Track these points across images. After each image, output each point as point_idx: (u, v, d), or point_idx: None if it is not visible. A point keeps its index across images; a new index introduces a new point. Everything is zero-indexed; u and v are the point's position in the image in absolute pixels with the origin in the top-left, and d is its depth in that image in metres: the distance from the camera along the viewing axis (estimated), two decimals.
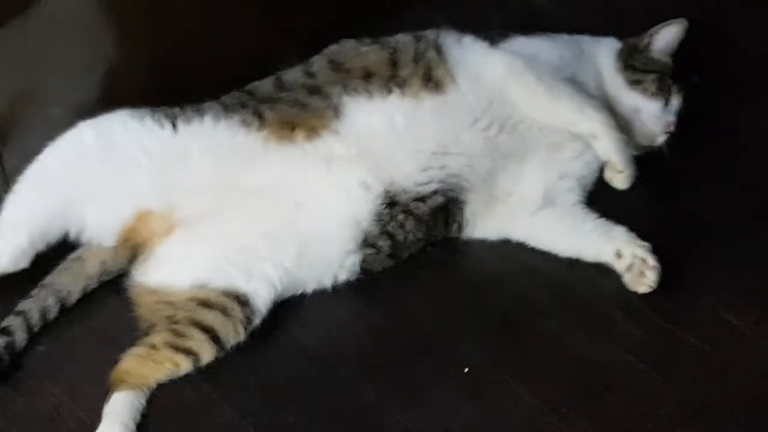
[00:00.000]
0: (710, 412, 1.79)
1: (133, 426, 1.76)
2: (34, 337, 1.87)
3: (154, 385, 1.81)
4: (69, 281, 1.92)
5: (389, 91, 1.97)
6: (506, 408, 1.80)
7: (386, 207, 1.94)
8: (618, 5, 2.38)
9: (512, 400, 1.81)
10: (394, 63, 1.99)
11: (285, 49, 2.18)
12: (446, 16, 2.30)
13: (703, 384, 1.82)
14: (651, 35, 2.12)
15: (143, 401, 1.79)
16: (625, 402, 1.80)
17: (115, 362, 1.83)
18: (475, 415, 1.80)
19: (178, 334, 1.83)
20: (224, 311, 1.85)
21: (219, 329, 1.83)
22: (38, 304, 1.88)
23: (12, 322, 1.85)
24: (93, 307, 1.93)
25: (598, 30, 2.20)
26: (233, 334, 1.85)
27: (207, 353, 1.82)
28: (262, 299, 1.88)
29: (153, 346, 1.82)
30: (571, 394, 1.82)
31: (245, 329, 1.86)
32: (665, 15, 2.13)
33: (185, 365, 1.82)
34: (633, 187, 2.05)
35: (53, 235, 1.91)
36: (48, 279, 1.91)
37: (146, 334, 1.85)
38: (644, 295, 1.92)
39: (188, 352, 1.82)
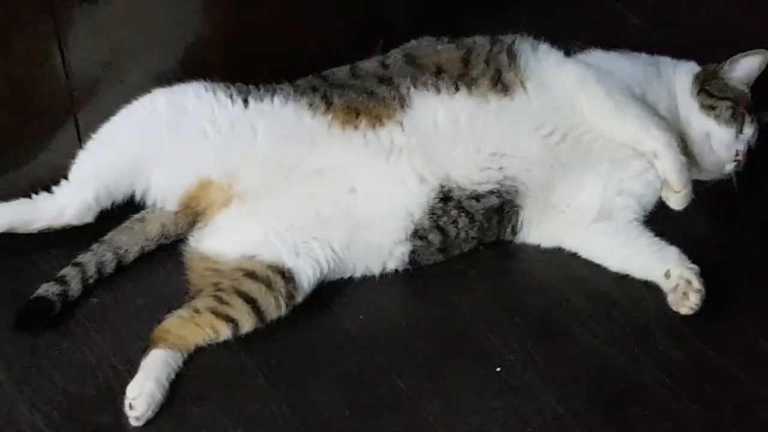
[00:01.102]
0: None
1: (165, 383, 1.83)
2: (88, 289, 1.96)
3: (192, 348, 1.88)
4: (128, 240, 1.99)
5: (457, 89, 2.01)
6: (530, 412, 1.84)
7: (440, 201, 1.99)
8: (710, 30, 2.39)
9: (538, 405, 1.85)
10: (466, 62, 2.04)
11: (369, 44, 2.23)
12: (539, 27, 2.33)
13: (732, 411, 1.84)
14: (731, 63, 2.13)
15: (179, 362, 1.86)
16: (650, 419, 1.83)
17: (159, 320, 1.90)
18: (497, 415, 1.84)
19: (222, 301, 1.90)
20: (268, 284, 1.91)
21: (261, 301, 1.89)
22: (96, 258, 1.96)
23: (68, 272, 1.94)
24: (148, 267, 2.01)
25: (685, 52, 2.21)
26: (274, 307, 1.90)
27: (247, 323, 1.89)
28: (306, 277, 1.94)
29: (196, 310, 1.89)
30: (598, 404, 1.85)
31: (287, 304, 1.91)
32: (754, 45, 2.13)
33: (225, 332, 1.88)
34: (696, 212, 2.06)
35: (119, 194, 1.98)
36: (109, 235, 1.99)
37: (193, 298, 1.92)
38: (687, 317, 1.93)
39: (229, 319, 1.88)
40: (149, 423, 1.80)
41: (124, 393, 1.83)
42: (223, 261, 1.94)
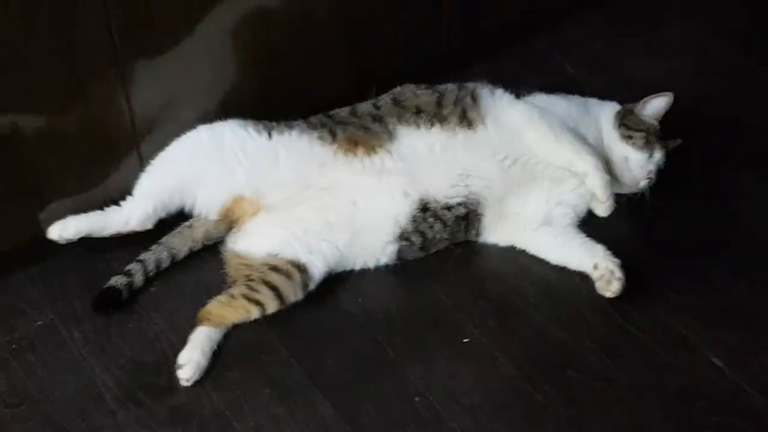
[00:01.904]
0: (649, 396, 1.81)
1: (209, 353, 1.84)
2: (149, 280, 1.95)
3: (230, 326, 1.88)
4: (180, 242, 1.99)
5: (432, 125, 2.01)
6: (492, 373, 1.84)
7: (420, 211, 1.98)
8: (627, 76, 2.38)
9: (497, 367, 1.85)
10: (439, 104, 2.04)
11: (366, 89, 2.20)
12: (498, 77, 2.30)
13: (647, 374, 1.84)
14: (644, 102, 2.11)
15: (220, 336, 1.87)
16: (583, 379, 1.83)
17: (204, 304, 1.89)
18: (467, 376, 1.84)
19: (252, 289, 1.89)
20: (288, 275, 1.91)
21: (282, 288, 1.89)
22: (155, 256, 1.96)
23: (133, 267, 1.94)
24: (195, 263, 2.00)
25: (610, 94, 2.20)
26: (293, 294, 1.90)
27: (271, 306, 1.89)
28: (317, 270, 1.93)
29: (232, 296, 1.89)
30: (543, 367, 1.85)
31: (303, 291, 1.91)
32: (662, 88, 2.12)
33: (255, 312, 1.89)
34: (617, 217, 2.05)
35: (172, 206, 1.98)
36: (164, 239, 1.98)
37: (230, 286, 1.92)
38: (611, 300, 1.93)
39: (257, 303, 1.88)
40: (196, 384, 1.80)
41: (176, 361, 1.83)
42: (253, 258, 1.94)
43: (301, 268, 1.92)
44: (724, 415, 1.77)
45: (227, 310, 1.88)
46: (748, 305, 1.94)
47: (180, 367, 1.80)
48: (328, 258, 1.94)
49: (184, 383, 1.80)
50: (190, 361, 1.81)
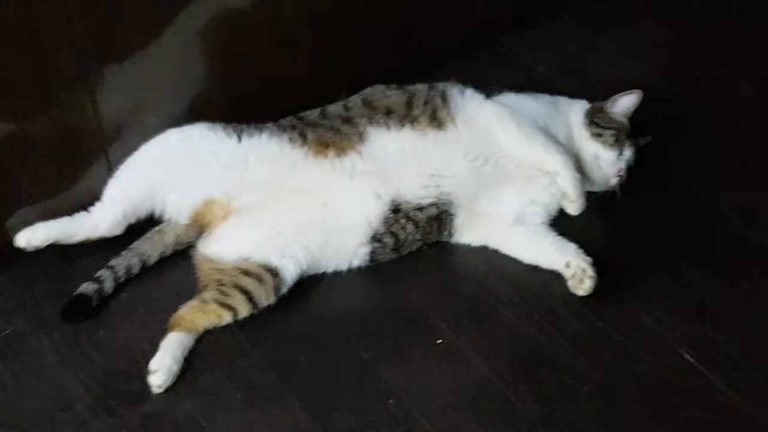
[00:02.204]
0: (621, 392, 1.82)
1: (181, 358, 1.83)
2: (119, 286, 1.94)
3: (202, 331, 1.88)
4: (150, 247, 1.98)
5: (402, 125, 2.01)
6: (465, 372, 1.85)
7: (392, 212, 1.98)
8: (598, 76, 2.39)
9: (470, 367, 1.85)
10: (409, 104, 2.04)
11: (337, 90, 2.20)
12: (469, 77, 2.31)
13: (619, 370, 1.85)
14: (613, 100, 2.12)
15: (192, 342, 1.86)
16: (555, 376, 1.84)
17: (176, 309, 1.88)
18: (440, 376, 1.84)
19: (223, 293, 1.89)
20: (259, 279, 1.90)
21: (254, 292, 1.89)
22: (125, 262, 1.95)
23: (103, 273, 1.93)
24: (166, 268, 1.99)
25: (580, 92, 2.21)
26: (265, 297, 1.90)
27: (243, 310, 1.88)
28: (289, 273, 1.93)
29: (204, 300, 1.89)
30: (516, 366, 1.86)
31: (275, 294, 1.91)
32: (631, 86, 2.13)
33: (227, 317, 1.88)
34: (589, 215, 2.05)
35: (142, 212, 1.97)
36: (134, 244, 1.97)
37: (201, 291, 1.91)
38: (583, 298, 1.93)
39: (229, 307, 1.88)
40: (168, 390, 1.79)
41: (148, 367, 1.82)
42: (224, 262, 1.93)
43: (273, 272, 1.91)
44: (695, 410, 1.79)
45: (199, 315, 1.87)
46: (717, 300, 1.95)
47: (151, 373, 1.80)
48: (300, 261, 1.94)
49: (155, 390, 1.79)
50: (162, 367, 1.80)
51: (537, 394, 1.81)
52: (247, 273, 1.90)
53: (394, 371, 1.84)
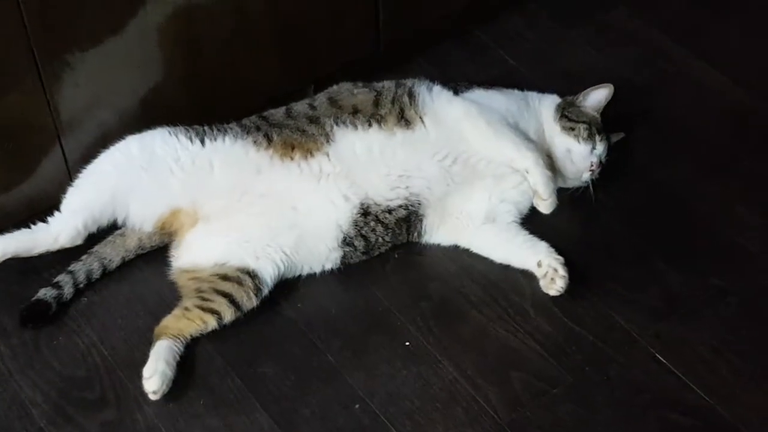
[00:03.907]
0: (591, 393, 1.81)
1: (173, 362, 1.81)
2: (79, 291, 1.93)
3: (189, 338, 1.85)
4: (112, 251, 1.96)
5: (370, 125, 1.99)
6: (433, 376, 1.84)
7: (361, 215, 1.96)
8: (569, 69, 2.37)
9: (438, 370, 1.84)
10: (376, 103, 2.02)
11: (303, 86, 2.20)
12: (438, 70, 2.34)
13: (590, 371, 1.84)
14: (584, 94, 2.11)
15: (181, 348, 1.84)
16: (525, 379, 1.83)
17: (138, 315, 1.89)
18: (407, 379, 1.83)
19: (205, 299, 1.88)
20: (239, 282, 1.89)
21: (235, 295, 1.88)
22: (85, 267, 1.93)
23: (62, 278, 1.92)
24: (128, 273, 1.97)
25: (551, 85, 2.20)
26: (247, 299, 1.89)
27: (228, 313, 1.87)
28: (268, 274, 1.92)
29: (186, 308, 1.88)
30: (485, 369, 1.85)
31: (256, 296, 1.90)
32: (602, 80, 2.13)
33: (211, 322, 1.87)
34: (561, 213, 2.04)
35: (103, 221, 1.94)
36: (95, 248, 1.96)
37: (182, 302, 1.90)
38: (555, 298, 1.93)
39: (213, 311, 1.87)
40: (127, 397, 1.77)
41: (109, 374, 1.81)
42: (201, 269, 1.92)
43: (252, 274, 1.90)
44: (666, 410, 1.78)
45: (183, 322, 1.86)
46: (690, 299, 1.94)
47: (146, 379, 1.78)
48: (277, 262, 1.92)
49: (152, 396, 1.78)
50: (156, 372, 1.78)
51: (506, 397, 1.80)
52: (225, 277, 1.89)
53: (360, 375, 1.83)
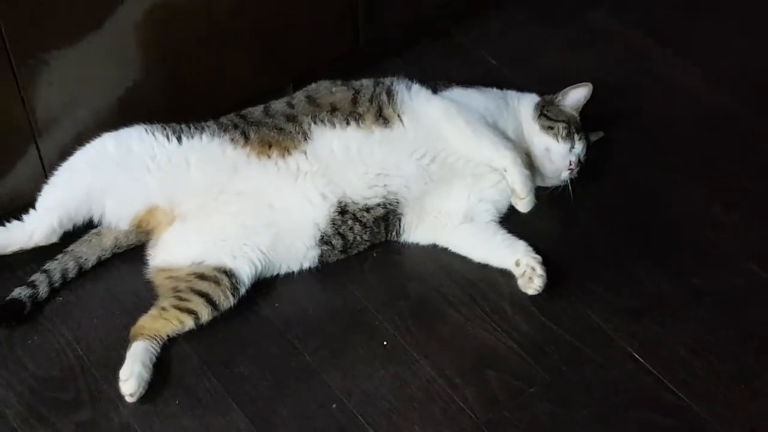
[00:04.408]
0: (568, 392, 1.81)
1: (150, 364, 1.80)
2: (55, 291, 1.92)
3: (165, 338, 1.85)
4: (87, 250, 1.95)
5: (348, 123, 1.99)
6: (410, 376, 1.83)
7: (339, 214, 1.96)
8: (549, 68, 2.38)
9: (415, 369, 1.84)
10: (354, 101, 2.02)
11: (282, 85, 2.20)
12: (418, 69, 2.33)
13: (567, 370, 1.85)
14: (563, 93, 2.12)
15: (158, 349, 1.83)
16: (502, 378, 1.83)
17: (115, 314, 1.88)
18: (385, 379, 1.83)
19: (182, 299, 1.87)
20: (216, 281, 1.89)
21: (212, 294, 1.87)
22: (61, 265, 1.92)
23: (38, 277, 1.90)
24: (104, 272, 1.96)
25: (532, 85, 2.20)
26: (224, 298, 1.88)
27: (205, 313, 1.86)
28: (245, 273, 1.91)
29: (163, 308, 1.87)
30: (462, 368, 1.85)
31: (233, 295, 1.89)
32: (581, 79, 2.13)
33: (189, 322, 1.86)
34: (540, 212, 2.05)
35: (79, 219, 1.94)
36: (71, 247, 1.95)
37: (158, 302, 1.89)
38: (533, 297, 1.93)
39: (190, 311, 1.86)
40: (102, 397, 1.76)
41: (84, 374, 1.80)
42: (177, 268, 1.91)
43: (229, 273, 1.89)
44: (643, 410, 1.78)
45: (160, 322, 1.85)
46: (667, 298, 1.95)
47: (122, 382, 1.77)
48: (255, 261, 1.92)
49: (128, 399, 1.77)
50: (132, 374, 1.77)
51: (483, 396, 1.80)
52: (202, 277, 1.89)
53: (338, 375, 1.83)
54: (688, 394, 1.80)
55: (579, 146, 2.09)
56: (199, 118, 2.02)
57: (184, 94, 2.08)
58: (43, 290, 1.89)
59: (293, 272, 1.98)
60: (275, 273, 1.97)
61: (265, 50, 2.17)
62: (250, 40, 2.13)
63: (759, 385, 1.82)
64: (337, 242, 1.98)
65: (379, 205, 1.98)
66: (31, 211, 1.91)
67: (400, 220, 2.01)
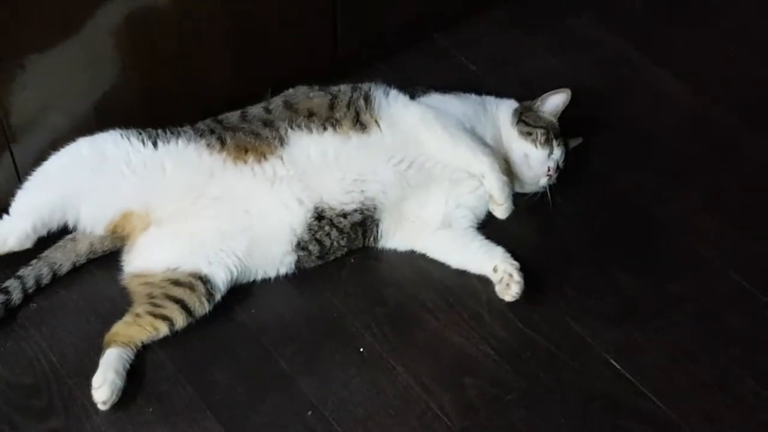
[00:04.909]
0: (545, 399, 1.82)
1: (123, 372, 1.79)
2: (28, 297, 1.90)
3: (140, 345, 1.84)
4: (62, 256, 1.94)
5: (325, 129, 1.98)
6: (386, 382, 1.83)
7: (316, 219, 1.95)
8: (529, 74, 2.38)
9: (392, 376, 1.84)
10: (332, 107, 2.01)
11: (260, 90, 2.18)
12: (398, 74, 2.34)
13: (544, 377, 1.84)
14: (542, 99, 2.12)
15: (131, 356, 1.82)
16: (479, 385, 1.83)
17: (89, 321, 1.87)
18: (361, 386, 1.83)
19: (156, 305, 1.86)
20: (191, 287, 1.88)
21: (187, 300, 1.86)
22: (34, 272, 1.91)
23: (11, 283, 1.89)
24: (79, 278, 1.95)
25: (512, 91, 2.21)
26: (199, 305, 1.87)
27: (179, 319, 1.85)
28: (220, 279, 1.90)
29: (137, 314, 1.86)
30: (439, 375, 1.84)
31: (208, 301, 1.88)
32: (560, 84, 2.13)
33: (163, 329, 1.85)
34: (518, 218, 2.04)
35: (53, 224, 1.92)
36: (45, 252, 1.93)
37: (133, 308, 1.88)
38: (510, 304, 1.92)
39: (164, 318, 1.85)
40: (75, 404, 1.75)
41: (58, 381, 1.79)
42: (152, 274, 1.90)
43: (204, 279, 1.89)
44: (620, 418, 1.78)
45: (134, 329, 1.84)
46: (645, 305, 1.95)
47: (94, 389, 1.76)
48: (230, 267, 1.91)
49: (101, 407, 1.76)
50: (105, 382, 1.76)
51: (460, 404, 1.80)
52: (177, 283, 1.88)
53: (314, 382, 1.82)
54: (666, 401, 1.80)
55: (557, 152, 2.09)
56: (176, 123, 2.01)
57: (160, 99, 2.07)
58: (16, 296, 1.88)
59: (270, 278, 1.97)
60: (251, 279, 1.97)
61: (242, 56, 2.16)
62: (228, 46, 2.12)
63: (737, 392, 1.82)
64: (314, 248, 1.97)
65: (356, 210, 1.98)
66: (5, 216, 1.90)
67: (377, 226, 2.01)
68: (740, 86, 2.38)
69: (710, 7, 2.58)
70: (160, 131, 1.98)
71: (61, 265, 1.93)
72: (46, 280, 1.92)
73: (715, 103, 2.33)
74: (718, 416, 1.79)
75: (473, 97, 2.15)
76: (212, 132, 1.98)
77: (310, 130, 1.98)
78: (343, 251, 2.01)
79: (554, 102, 2.12)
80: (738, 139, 2.27)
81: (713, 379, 1.84)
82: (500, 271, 1.94)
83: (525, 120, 2.09)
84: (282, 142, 1.97)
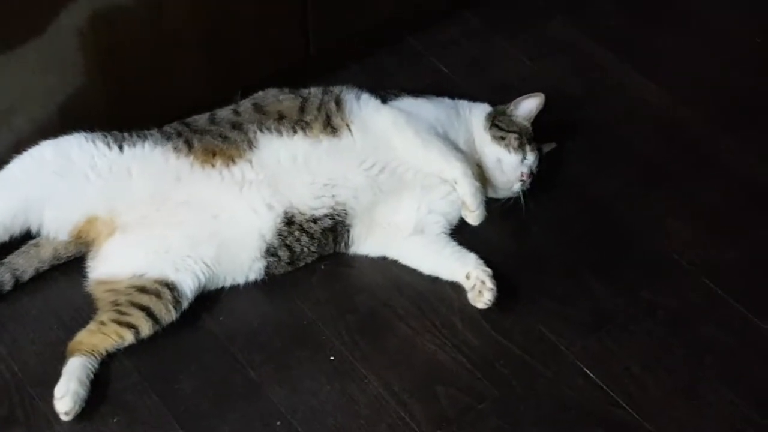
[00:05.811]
0: (518, 408, 1.81)
1: (86, 381, 1.77)
2: None
3: (104, 354, 1.82)
4: (25, 262, 1.91)
5: (295, 132, 1.97)
6: (357, 391, 1.82)
7: (285, 225, 1.94)
8: (502, 77, 2.37)
9: (363, 385, 1.82)
10: (302, 109, 2.00)
11: (230, 93, 2.16)
12: (371, 77, 2.33)
13: (517, 386, 1.84)
14: (515, 103, 2.12)
15: (95, 365, 1.80)
16: (451, 394, 1.82)
17: (52, 329, 1.85)
18: (331, 395, 1.81)
19: (121, 313, 1.84)
20: (157, 295, 1.86)
21: (153, 308, 1.84)
22: None
23: None
24: (42, 284, 1.93)
25: (485, 94, 2.20)
26: (165, 312, 1.85)
27: (145, 327, 1.83)
28: (187, 286, 1.88)
29: (102, 322, 1.83)
30: (410, 384, 1.83)
31: (175, 309, 1.86)
32: (534, 89, 2.14)
33: (129, 337, 1.83)
34: (492, 224, 2.03)
35: (15, 229, 1.90)
36: (7, 258, 1.91)
37: (98, 316, 1.86)
38: (483, 311, 1.92)
39: (130, 326, 1.83)
40: (37, 413, 1.73)
41: (19, 390, 1.76)
42: (117, 281, 1.88)
43: (170, 286, 1.87)
44: (593, 426, 1.78)
45: (98, 337, 1.81)
46: (618, 312, 1.95)
47: (57, 400, 1.73)
48: (198, 273, 1.89)
49: (63, 417, 1.73)
50: (68, 392, 1.73)
51: (432, 413, 1.79)
52: (143, 290, 1.86)
53: (283, 391, 1.81)
54: (639, 410, 1.80)
55: (531, 157, 2.08)
56: (143, 126, 1.99)
57: (127, 101, 2.05)
58: None
59: (239, 284, 1.96)
60: (220, 285, 1.95)
61: (212, 58, 2.14)
62: (197, 48, 2.10)
63: (710, 401, 1.82)
64: (284, 254, 1.95)
65: (326, 215, 1.96)
66: None
67: (348, 232, 2.00)
68: (716, 91, 2.38)
69: (686, 11, 2.59)
70: (126, 134, 1.96)
71: (23, 271, 1.91)
72: (8, 287, 1.89)
73: (690, 108, 2.33)
74: (692, 424, 1.79)
75: (446, 101, 2.14)
76: (179, 135, 1.97)
77: (279, 133, 1.97)
78: (314, 257, 2.00)
79: (528, 106, 2.12)
80: (713, 144, 2.27)
81: (687, 387, 1.84)
82: (473, 277, 1.93)
83: (498, 124, 2.09)
84: (251, 145, 1.95)
